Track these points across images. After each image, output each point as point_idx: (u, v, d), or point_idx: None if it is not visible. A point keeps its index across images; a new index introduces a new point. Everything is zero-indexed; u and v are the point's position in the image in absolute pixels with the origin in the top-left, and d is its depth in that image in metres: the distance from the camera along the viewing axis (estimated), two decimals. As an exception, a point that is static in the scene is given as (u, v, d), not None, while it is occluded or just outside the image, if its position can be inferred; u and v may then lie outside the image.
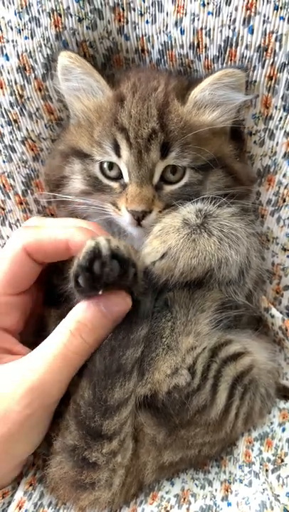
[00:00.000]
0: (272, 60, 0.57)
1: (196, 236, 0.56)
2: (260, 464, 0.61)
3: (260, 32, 0.56)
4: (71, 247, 0.54)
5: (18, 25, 0.61)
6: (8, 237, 0.72)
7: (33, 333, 0.61)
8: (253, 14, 0.56)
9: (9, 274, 0.55)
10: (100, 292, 0.50)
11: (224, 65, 0.60)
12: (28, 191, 0.70)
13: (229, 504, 0.58)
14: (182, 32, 0.61)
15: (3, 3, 0.61)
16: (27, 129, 0.66)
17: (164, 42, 0.63)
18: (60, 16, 0.61)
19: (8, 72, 0.63)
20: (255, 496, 0.57)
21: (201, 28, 0.59)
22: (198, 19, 0.59)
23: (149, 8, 0.62)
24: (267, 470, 0.61)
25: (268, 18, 0.56)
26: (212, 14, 0.58)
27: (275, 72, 0.58)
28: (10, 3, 0.61)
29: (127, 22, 0.64)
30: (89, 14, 0.62)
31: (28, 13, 0.61)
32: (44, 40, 0.62)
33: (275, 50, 0.57)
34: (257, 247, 0.62)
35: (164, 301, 0.59)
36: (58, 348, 0.51)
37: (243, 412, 0.61)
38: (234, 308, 0.62)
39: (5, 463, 0.54)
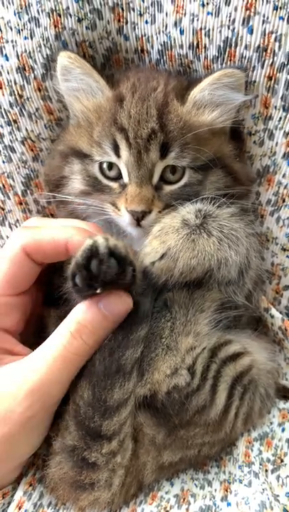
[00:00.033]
0: (271, 60, 0.57)
1: (195, 236, 0.56)
2: (260, 464, 0.61)
3: (259, 32, 0.56)
4: (70, 247, 0.54)
5: (18, 25, 0.61)
6: (7, 237, 0.72)
7: (33, 333, 0.61)
8: (252, 14, 0.56)
9: (8, 274, 0.55)
10: (98, 291, 0.49)
11: (224, 65, 0.60)
12: (28, 191, 0.70)
13: (229, 504, 0.58)
14: (182, 32, 0.61)
15: (3, 3, 0.61)
16: (26, 130, 0.66)
17: (164, 42, 0.63)
18: (60, 16, 0.61)
19: (8, 73, 0.63)
20: (254, 496, 0.57)
21: (201, 28, 0.59)
22: (198, 19, 0.59)
23: (148, 8, 0.62)
24: (266, 470, 0.61)
25: (268, 18, 0.56)
26: (211, 14, 0.58)
27: (275, 73, 0.58)
28: (9, 3, 0.61)
29: (127, 22, 0.63)
30: (88, 14, 0.62)
31: (27, 14, 0.61)
32: (43, 40, 0.62)
33: (274, 50, 0.57)
34: (256, 248, 0.62)
35: (163, 301, 0.59)
36: (58, 350, 0.51)
37: (242, 412, 0.61)
38: (234, 309, 0.62)
39: (5, 463, 0.54)
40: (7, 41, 0.61)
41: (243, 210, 0.62)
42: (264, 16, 0.56)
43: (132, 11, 0.63)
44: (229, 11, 0.57)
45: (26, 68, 0.63)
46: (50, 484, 0.56)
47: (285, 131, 0.60)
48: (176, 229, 0.56)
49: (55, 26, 0.61)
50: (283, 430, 0.64)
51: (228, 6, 0.57)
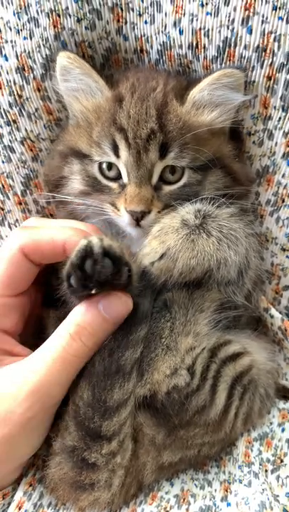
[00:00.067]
0: (270, 60, 0.57)
1: (194, 236, 0.56)
2: (260, 464, 0.61)
3: (258, 32, 0.56)
4: (67, 248, 0.54)
5: (17, 25, 0.61)
6: (7, 237, 0.72)
7: (32, 334, 0.61)
8: (251, 14, 0.56)
9: (6, 275, 0.55)
10: (94, 291, 0.49)
11: (223, 65, 0.60)
12: (27, 191, 0.70)
13: (229, 504, 0.58)
14: (181, 32, 0.61)
15: (2, 3, 0.61)
16: (26, 130, 0.66)
17: (163, 42, 0.63)
18: (59, 16, 0.61)
19: (7, 73, 0.63)
20: (254, 496, 0.57)
21: (200, 29, 0.59)
22: (197, 19, 0.59)
23: (147, 8, 0.62)
24: (266, 470, 0.61)
25: (267, 18, 0.56)
26: (211, 14, 0.58)
27: (274, 73, 0.58)
28: (9, 3, 0.61)
29: (126, 22, 0.63)
30: (87, 14, 0.62)
31: (26, 14, 0.61)
32: (43, 40, 0.62)
33: (273, 51, 0.57)
34: (256, 248, 0.62)
35: (163, 301, 0.59)
36: (57, 351, 0.51)
37: (242, 412, 0.61)
38: (233, 309, 0.62)
39: (5, 464, 0.54)
40: (6, 41, 0.61)
41: (242, 211, 0.62)
42: (263, 16, 0.56)
43: (131, 11, 0.63)
44: (228, 11, 0.57)
45: (26, 68, 0.63)
46: (50, 484, 0.56)
47: (284, 131, 0.60)
48: (176, 229, 0.56)
49: (54, 26, 0.61)
50: (283, 430, 0.64)
51: (228, 6, 0.57)
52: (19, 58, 0.62)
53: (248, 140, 0.64)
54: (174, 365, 0.56)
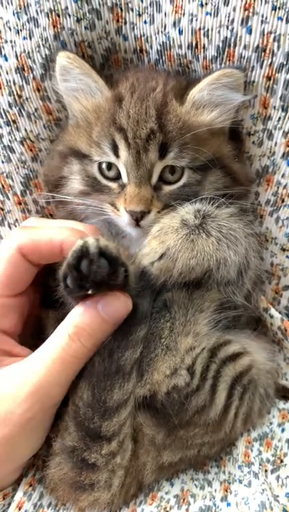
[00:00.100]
0: (270, 60, 0.57)
1: (194, 236, 0.56)
2: (260, 465, 0.61)
3: (258, 32, 0.56)
4: (64, 248, 0.54)
5: (17, 25, 0.61)
6: (5, 237, 0.72)
7: (31, 335, 0.61)
8: (251, 14, 0.56)
9: (5, 275, 0.55)
10: (90, 292, 0.49)
11: (222, 65, 0.60)
12: (27, 191, 0.70)
13: (228, 504, 0.58)
14: (180, 32, 0.61)
15: (2, 3, 0.61)
16: (26, 130, 0.66)
17: (163, 42, 0.63)
18: (59, 16, 0.61)
19: (7, 73, 0.63)
20: (254, 497, 0.57)
21: (200, 29, 0.59)
22: (197, 19, 0.59)
23: (147, 8, 0.62)
24: (266, 470, 0.61)
25: (266, 18, 0.56)
26: (210, 14, 0.58)
27: (274, 73, 0.58)
28: (8, 3, 0.61)
29: (126, 22, 0.63)
30: (87, 14, 0.62)
31: (26, 14, 0.61)
32: (42, 40, 0.61)
33: (273, 51, 0.57)
34: (255, 248, 0.62)
35: (162, 301, 0.59)
36: (56, 352, 0.51)
37: (242, 412, 0.61)
38: (233, 309, 0.62)
39: (5, 465, 0.54)
40: (6, 41, 0.61)
41: (242, 211, 0.62)
42: (263, 16, 0.56)
43: (130, 11, 0.63)
44: (228, 11, 0.57)
45: (25, 68, 0.63)
46: (50, 485, 0.56)
47: (284, 131, 0.60)
48: (175, 229, 0.56)
49: (54, 26, 0.61)
50: (283, 430, 0.64)
51: (227, 6, 0.57)
52: (19, 58, 0.62)
53: (248, 140, 0.64)
54: (174, 365, 0.56)
